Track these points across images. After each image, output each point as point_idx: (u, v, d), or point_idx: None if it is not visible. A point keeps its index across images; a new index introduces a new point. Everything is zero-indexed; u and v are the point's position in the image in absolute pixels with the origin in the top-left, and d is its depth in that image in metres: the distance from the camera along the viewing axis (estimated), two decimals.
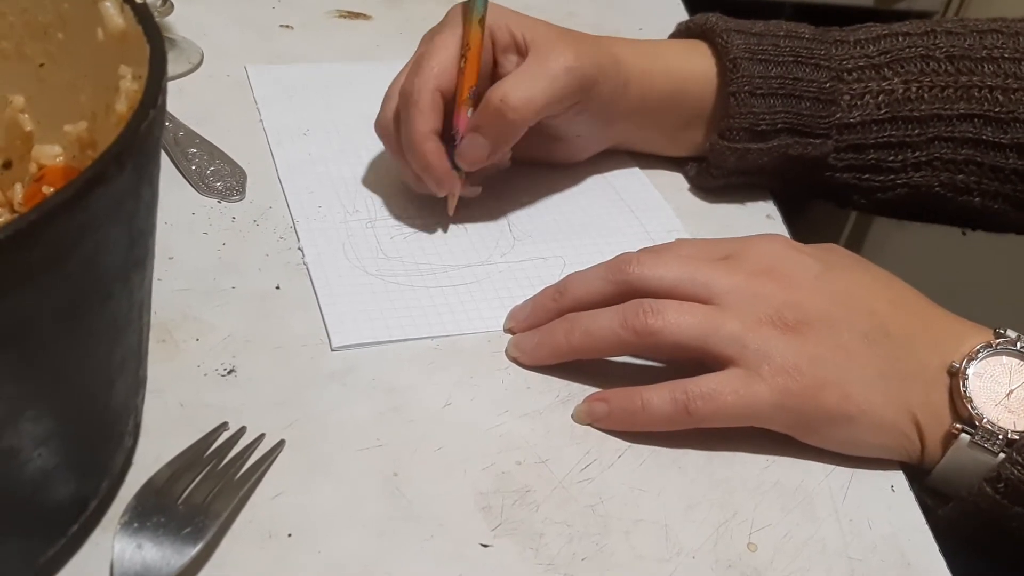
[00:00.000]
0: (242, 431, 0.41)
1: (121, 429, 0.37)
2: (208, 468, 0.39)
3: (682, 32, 0.61)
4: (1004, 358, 0.43)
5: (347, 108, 0.62)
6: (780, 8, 1.27)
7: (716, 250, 0.47)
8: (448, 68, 0.51)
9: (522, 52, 0.53)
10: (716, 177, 0.58)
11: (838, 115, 0.56)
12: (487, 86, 0.52)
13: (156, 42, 0.34)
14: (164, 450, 0.39)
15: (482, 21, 0.51)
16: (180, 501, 0.37)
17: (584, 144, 0.59)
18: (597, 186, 0.59)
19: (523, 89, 0.51)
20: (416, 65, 0.52)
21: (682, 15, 0.78)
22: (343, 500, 0.40)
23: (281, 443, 0.41)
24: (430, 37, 0.53)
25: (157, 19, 0.36)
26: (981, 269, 0.88)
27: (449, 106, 0.52)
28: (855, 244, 1.27)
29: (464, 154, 0.52)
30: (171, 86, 0.46)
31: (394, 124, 0.53)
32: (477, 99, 0.52)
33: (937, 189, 0.58)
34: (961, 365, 0.43)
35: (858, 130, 0.57)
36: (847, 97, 0.56)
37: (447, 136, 0.52)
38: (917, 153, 0.57)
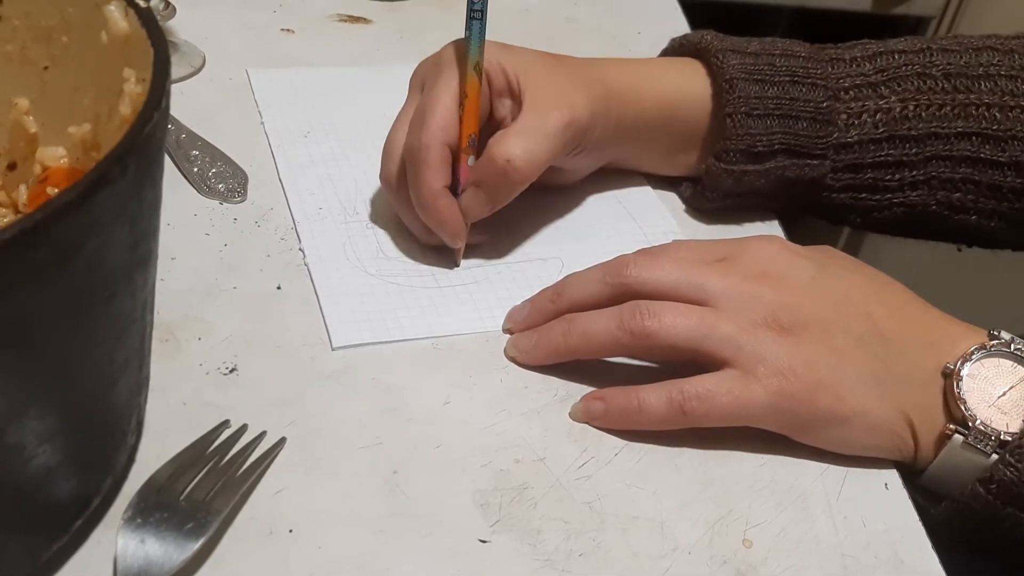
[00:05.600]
0: (243, 429, 0.42)
1: (124, 427, 0.38)
2: (210, 465, 0.39)
3: (675, 49, 0.60)
4: (998, 360, 0.44)
5: (347, 111, 0.62)
6: (778, 12, 1.27)
7: (712, 252, 0.47)
8: (451, 120, 0.50)
9: (515, 97, 0.51)
10: (712, 200, 0.57)
11: (835, 135, 0.55)
12: (484, 130, 0.51)
13: (160, 46, 0.34)
14: (166, 448, 0.40)
15: (478, 67, 0.49)
16: (182, 498, 0.37)
17: (576, 172, 0.58)
18: (595, 189, 0.59)
19: (526, 149, 0.49)
20: (420, 120, 0.50)
21: (680, 19, 0.78)
22: (343, 497, 0.40)
23: (282, 441, 0.42)
24: (430, 83, 0.51)
25: (159, 22, 0.36)
26: (975, 273, 0.89)
27: (455, 156, 0.51)
28: (852, 248, 1.27)
29: (466, 210, 0.51)
30: (173, 89, 0.46)
31: (398, 180, 0.51)
32: (477, 146, 0.51)
33: (933, 208, 0.57)
34: (955, 366, 0.43)
35: (855, 150, 0.55)
36: (844, 116, 0.55)
37: (452, 186, 0.51)
38: (915, 172, 0.56)
